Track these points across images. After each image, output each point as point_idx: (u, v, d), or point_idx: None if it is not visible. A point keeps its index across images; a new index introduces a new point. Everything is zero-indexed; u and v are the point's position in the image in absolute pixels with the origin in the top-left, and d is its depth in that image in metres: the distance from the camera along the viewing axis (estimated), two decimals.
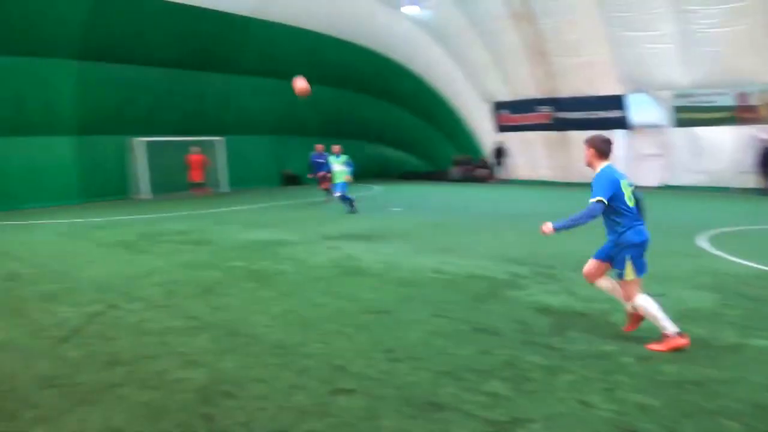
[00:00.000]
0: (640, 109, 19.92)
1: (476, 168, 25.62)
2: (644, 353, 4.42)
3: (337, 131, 26.94)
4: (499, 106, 23.79)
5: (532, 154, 23.54)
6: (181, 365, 4.45)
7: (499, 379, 4.02)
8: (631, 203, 4.57)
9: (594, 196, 4.51)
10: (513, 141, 24.09)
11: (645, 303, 4.56)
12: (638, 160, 20.39)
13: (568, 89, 21.17)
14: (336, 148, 14.07)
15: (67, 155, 18.64)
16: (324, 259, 8.52)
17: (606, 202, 4.50)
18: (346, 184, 13.99)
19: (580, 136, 21.34)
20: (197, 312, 5.91)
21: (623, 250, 4.58)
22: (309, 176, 18.08)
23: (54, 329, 5.46)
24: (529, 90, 22.26)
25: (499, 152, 24.49)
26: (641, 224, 4.62)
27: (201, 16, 18.57)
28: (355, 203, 14.24)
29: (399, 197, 18.98)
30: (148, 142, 20.09)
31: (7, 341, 5.15)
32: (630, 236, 4.54)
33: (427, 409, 3.60)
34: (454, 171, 26.15)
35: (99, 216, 15.15)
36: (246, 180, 23.91)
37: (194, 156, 20.84)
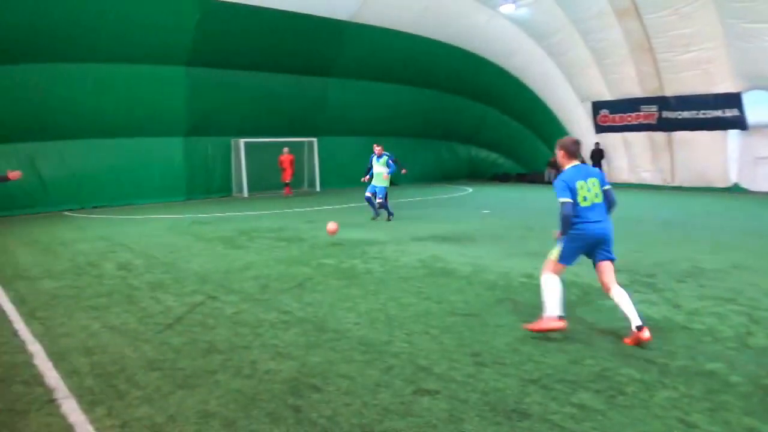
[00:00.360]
0: (759, 108, 18.24)
1: None
2: (755, 373, 4.05)
3: (429, 132, 27.04)
4: (599, 106, 22.71)
5: (633, 156, 22.30)
6: (272, 357, 4.63)
7: (590, 391, 3.84)
8: (584, 203, 4.83)
9: (558, 197, 4.85)
10: (613, 142, 22.92)
11: (547, 282, 4.91)
12: (755, 163, 18.73)
13: (675, 87, 19.80)
14: (377, 148, 13.24)
15: (176, 155, 20.11)
16: (412, 260, 8.55)
17: (570, 200, 4.80)
18: (385, 189, 13.20)
19: (689, 137, 19.98)
20: (288, 306, 6.13)
21: (565, 236, 4.88)
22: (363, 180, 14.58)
23: (160, 316, 5.88)
24: (631, 88, 21.08)
25: (597, 154, 23.39)
26: (595, 221, 4.86)
27: (300, 22, 19.25)
28: (378, 212, 13.45)
29: (490, 199, 18.67)
30: (247, 143, 21.13)
31: (119, 325, 5.61)
32: (577, 228, 4.84)
33: (512, 416, 3.51)
34: (549, 173, 25.34)
35: (202, 212, 16.15)
36: (338, 180, 24.54)
37: (285, 156, 21.50)
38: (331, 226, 10.26)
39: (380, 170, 13.02)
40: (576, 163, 5.03)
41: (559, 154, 5.10)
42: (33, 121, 16.62)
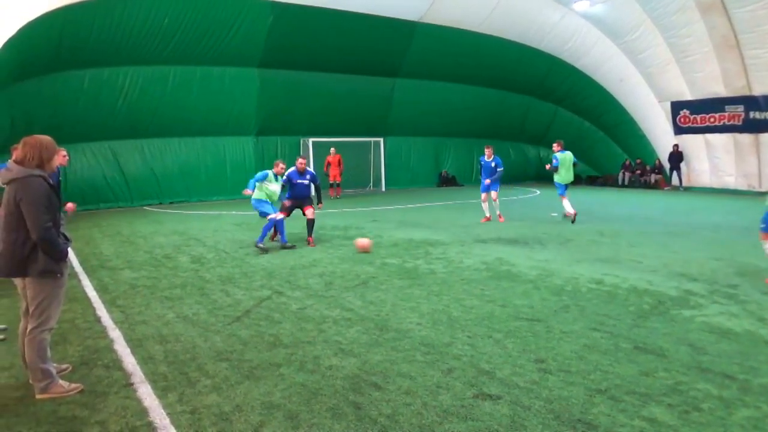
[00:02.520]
0: None
1: (648, 173, 23.59)
2: None
3: (496, 133, 26.62)
4: (678, 106, 21.58)
5: (715, 159, 21.04)
6: (334, 353, 4.70)
7: (662, 405, 3.66)
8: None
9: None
10: (693, 144, 21.71)
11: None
12: None
13: (765, 86, 18.53)
14: (279, 166, 10.41)
15: (247, 154, 20.78)
16: (476, 261, 8.44)
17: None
18: (274, 209, 10.32)
19: None
20: (352, 304, 6.20)
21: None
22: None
23: (229, 309, 6.10)
24: (715, 87, 19.89)
25: (675, 156, 22.24)
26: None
27: (369, 23, 19.42)
28: (262, 241, 9.89)
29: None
30: (315, 142, 21.50)
31: (192, 316, 5.86)
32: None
33: (576, 426, 3.39)
34: (623, 176, 24.34)
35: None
36: (403, 180, 24.57)
37: (332, 157, 21.10)
38: (363, 242, 9.43)
39: (275, 188, 10.37)
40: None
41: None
42: (116, 120, 17.69)
